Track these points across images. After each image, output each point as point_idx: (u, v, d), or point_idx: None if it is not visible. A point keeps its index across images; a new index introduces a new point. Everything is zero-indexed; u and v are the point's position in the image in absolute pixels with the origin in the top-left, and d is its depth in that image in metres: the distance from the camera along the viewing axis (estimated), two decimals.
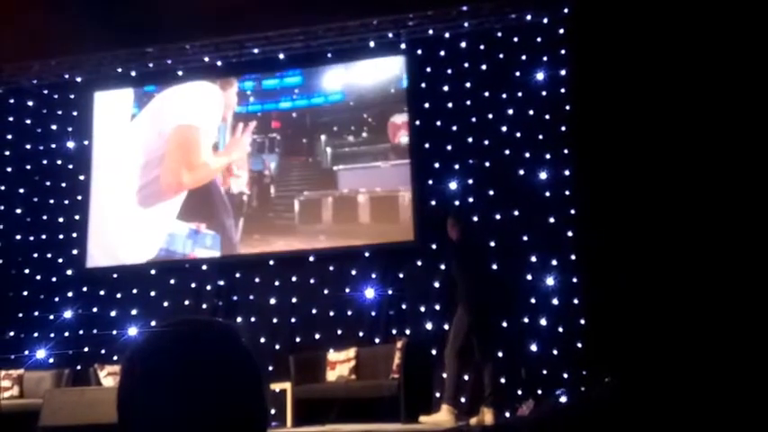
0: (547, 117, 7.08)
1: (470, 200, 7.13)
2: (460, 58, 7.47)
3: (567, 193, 6.88)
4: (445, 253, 6.28)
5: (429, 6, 7.38)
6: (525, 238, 6.88)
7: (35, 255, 8.01)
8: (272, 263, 7.48)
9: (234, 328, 1.01)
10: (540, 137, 7.08)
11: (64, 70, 8.27)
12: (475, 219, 6.89)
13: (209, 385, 0.91)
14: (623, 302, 5.88)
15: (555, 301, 6.69)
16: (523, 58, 7.29)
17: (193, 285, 7.65)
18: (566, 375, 6.43)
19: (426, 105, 7.47)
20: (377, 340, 7.03)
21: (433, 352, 6.68)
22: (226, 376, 0.93)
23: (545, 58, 7.20)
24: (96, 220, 7.99)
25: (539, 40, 7.27)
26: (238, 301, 7.52)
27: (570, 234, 6.77)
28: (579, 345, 6.47)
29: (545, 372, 6.52)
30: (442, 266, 6.65)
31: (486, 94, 7.31)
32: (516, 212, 6.98)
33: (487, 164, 7.18)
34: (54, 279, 7.92)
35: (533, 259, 6.82)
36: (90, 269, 7.87)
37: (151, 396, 0.90)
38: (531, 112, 7.15)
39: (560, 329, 6.62)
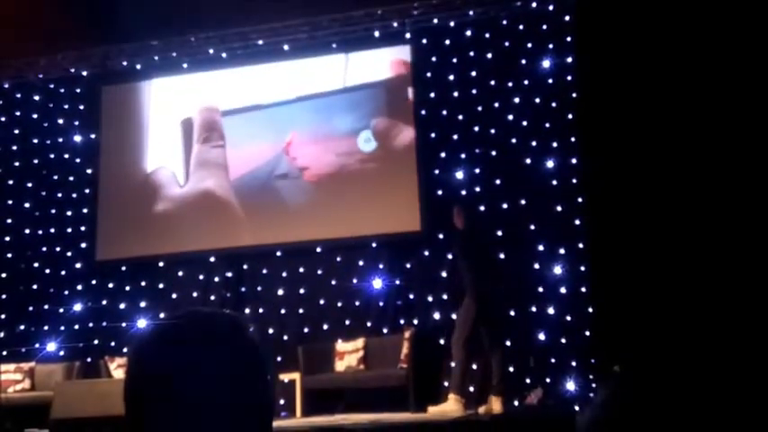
0: (553, 105, 7.05)
1: (477, 189, 7.11)
2: (466, 47, 7.43)
3: (575, 181, 6.85)
4: (451, 242, 6.28)
5: None
6: (533, 227, 6.87)
7: (44, 248, 8.05)
8: (279, 254, 7.49)
9: (241, 319, 1.01)
10: (547, 125, 7.05)
11: (70, 64, 8.28)
12: (481, 208, 6.88)
13: (215, 377, 0.91)
14: (631, 291, 5.87)
15: (563, 290, 6.68)
16: (529, 45, 7.25)
17: (201, 277, 7.69)
18: (574, 364, 6.43)
19: (432, 95, 7.44)
20: (385, 330, 7.05)
21: (441, 341, 6.69)
22: (232, 368, 0.93)
23: (551, 46, 7.16)
24: (104, 212, 8.01)
25: (544, 27, 7.22)
26: (246, 292, 7.55)
27: (578, 222, 6.75)
28: (587, 333, 6.47)
29: (553, 360, 6.53)
30: (449, 256, 6.64)
31: (492, 82, 7.28)
32: (523, 201, 6.96)
33: (494, 153, 7.16)
34: (63, 272, 7.96)
35: (541, 248, 6.81)
36: (99, 262, 7.91)
37: (158, 388, 0.90)
38: (538, 101, 7.12)
39: (568, 318, 6.62)
